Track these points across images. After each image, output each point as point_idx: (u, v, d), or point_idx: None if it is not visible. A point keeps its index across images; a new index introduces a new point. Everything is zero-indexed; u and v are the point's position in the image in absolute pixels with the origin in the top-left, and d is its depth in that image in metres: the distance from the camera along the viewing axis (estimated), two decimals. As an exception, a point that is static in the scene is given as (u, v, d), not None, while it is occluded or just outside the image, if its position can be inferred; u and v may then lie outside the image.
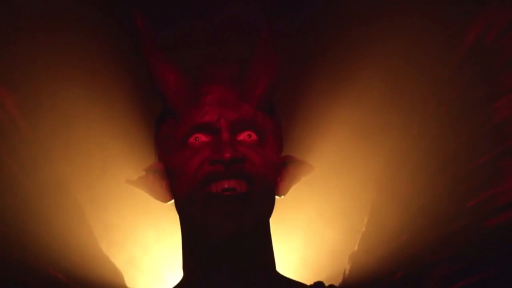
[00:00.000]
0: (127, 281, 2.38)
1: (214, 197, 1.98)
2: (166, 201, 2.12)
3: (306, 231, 2.53)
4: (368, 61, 2.40)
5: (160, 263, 2.47)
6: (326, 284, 2.19)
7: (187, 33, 2.16)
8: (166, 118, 2.09)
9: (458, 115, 2.39)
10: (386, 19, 2.38)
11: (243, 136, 2.05)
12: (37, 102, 2.36)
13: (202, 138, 2.04)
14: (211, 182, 2.00)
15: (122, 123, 2.32)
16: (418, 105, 2.43)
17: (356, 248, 2.42)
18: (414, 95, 2.43)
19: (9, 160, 2.30)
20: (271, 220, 2.11)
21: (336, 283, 2.25)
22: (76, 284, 2.30)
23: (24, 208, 2.32)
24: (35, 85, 2.35)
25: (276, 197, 2.14)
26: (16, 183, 2.30)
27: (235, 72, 2.08)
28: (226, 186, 1.99)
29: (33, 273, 2.27)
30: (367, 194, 2.48)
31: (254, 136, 2.05)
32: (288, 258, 2.43)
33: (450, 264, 2.37)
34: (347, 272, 2.38)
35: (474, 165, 2.37)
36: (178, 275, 2.14)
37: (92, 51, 2.30)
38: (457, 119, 2.39)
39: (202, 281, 2.06)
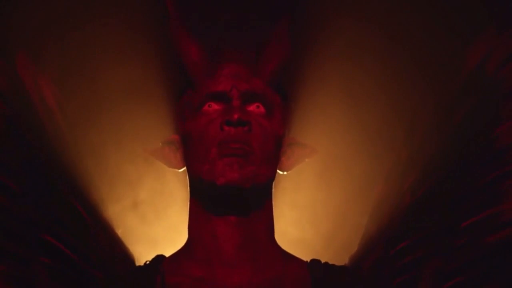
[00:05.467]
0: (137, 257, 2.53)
1: (221, 151, 2.18)
2: (179, 168, 2.34)
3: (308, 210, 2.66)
4: (366, 87, 2.59)
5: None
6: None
7: (211, 15, 2.38)
8: (185, 89, 2.32)
9: (459, 138, 2.52)
10: (383, 46, 2.57)
11: (252, 107, 2.26)
12: (73, 93, 2.58)
13: (215, 106, 2.26)
14: (220, 145, 2.20)
15: (147, 100, 2.52)
16: (419, 125, 2.58)
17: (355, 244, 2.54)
18: (415, 115, 2.58)
19: (41, 150, 2.48)
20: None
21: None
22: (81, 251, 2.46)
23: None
24: (74, 78, 2.58)
25: (280, 172, 2.33)
26: (44, 171, 2.47)
27: (251, 54, 2.32)
28: (232, 146, 2.20)
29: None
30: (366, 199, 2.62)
31: (262, 108, 2.27)
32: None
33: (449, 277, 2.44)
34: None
35: (476, 186, 2.47)
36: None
37: (122, 35, 2.51)
38: (458, 141, 2.51)
39: (204, 236, 2.24)
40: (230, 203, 2.22)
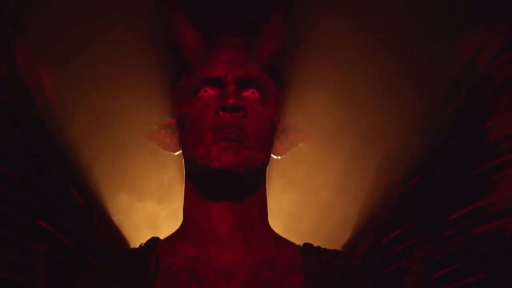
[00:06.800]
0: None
1: (216, 136, 2.23)
2: (174, 151, 2.38)
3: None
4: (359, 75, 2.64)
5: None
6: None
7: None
8: (181, 72, 2.36)
9: (450, 131, 2.56)
10: (376, 37, 2.61)
11: (247, 93, 2.31)
12: (70, 81, 2.61)
13: (210, 91, 2.30)
14: (215, 130, 2.25)
15: (144, 85, 2.56)
16: (411, 117, 2.62)
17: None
18: (408, 107, 2.62)
19: (38, 138, 2.52)
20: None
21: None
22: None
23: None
24: (71, 66, 2.61)
25: (274, 156, 2.38)
26: (41, 158, 2.51)
27: (247, 40, 2.36)
28: (227, 131, 2.24)
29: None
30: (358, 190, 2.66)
31: (257, 94, 2.31)
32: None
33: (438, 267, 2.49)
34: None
35: (465, 178, 2.52)
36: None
37: (119, 21, 2.53)
38: (449, 134, 2.56)
39: (199, 217, 2.28)
40: (224, 187, 2.26)
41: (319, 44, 2.52)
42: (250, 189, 2.29)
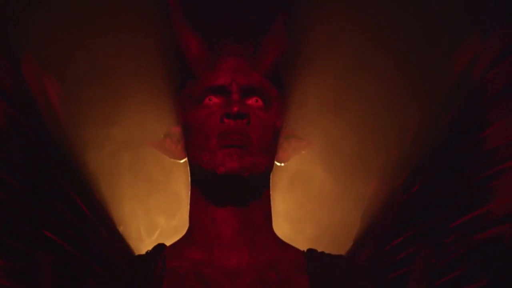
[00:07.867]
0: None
1: (221, 142, 2.28)
2: (180, 158, 2.43)
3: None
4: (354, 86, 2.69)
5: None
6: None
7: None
8: (186, 81, 2.41)
9: (448, 139, 2.61)
10: (375, 48, 2.66)
11: (251, 101, 2.36)
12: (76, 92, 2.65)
13: (215, 99, 2.35)
14: (220, 136, 2.29)
15: (150, 95, 2.60)
16: (411, 125, 2.66)
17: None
18: (407, 116, 2.66)
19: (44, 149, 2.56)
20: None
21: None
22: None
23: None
24: (77, 77, 2.65)
25: (277, 163, 2.42)
26: (47, 168, 2.55)
27: (250, 47, 2.41)
28: (232, 138, 2.29)
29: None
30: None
31: (260, 102, 2.36)
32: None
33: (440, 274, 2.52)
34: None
35: (465, 185, 2.56)
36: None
37: (125, 32, 2.57)
38: (448, 143, 2.60)
39: (204, 221, 2.33)
40: (229, 191, 2.30)
41: (320, 51, 2.57)
42: (255, 193, 2.33)
